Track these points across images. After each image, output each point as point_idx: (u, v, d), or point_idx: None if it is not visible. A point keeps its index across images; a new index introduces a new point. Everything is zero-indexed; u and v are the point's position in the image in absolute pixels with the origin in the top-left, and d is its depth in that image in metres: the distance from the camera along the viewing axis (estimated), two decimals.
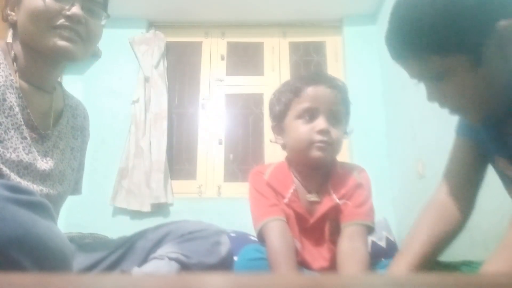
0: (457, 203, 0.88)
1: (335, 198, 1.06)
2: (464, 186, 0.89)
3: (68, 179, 0.99)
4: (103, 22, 0.94)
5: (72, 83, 2.26)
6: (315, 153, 1.04)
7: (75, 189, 1.08)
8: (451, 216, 0.88)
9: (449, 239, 0.88)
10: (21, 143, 0.86)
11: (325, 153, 1.05)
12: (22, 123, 0.86)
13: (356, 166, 1.15)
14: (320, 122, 1.04)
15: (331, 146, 1.05)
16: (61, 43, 0.87)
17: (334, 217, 1.07)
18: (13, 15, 0.89)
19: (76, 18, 0.87)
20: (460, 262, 0.92)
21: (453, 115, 0.81)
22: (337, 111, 1.07)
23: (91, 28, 0.91)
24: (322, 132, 1.03)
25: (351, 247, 0.98)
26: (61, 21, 0.86)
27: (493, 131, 0.81)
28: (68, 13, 0.86)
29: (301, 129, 1.06)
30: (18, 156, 0.84)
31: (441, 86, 0.74)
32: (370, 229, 1.05)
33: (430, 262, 0.86)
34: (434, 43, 0.69)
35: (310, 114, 1.06)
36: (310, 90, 1.07)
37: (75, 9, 0.87)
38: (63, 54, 0.88)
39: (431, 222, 0.89)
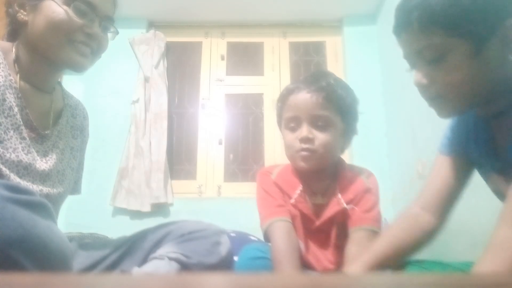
0: (430, 217, 0.91)
1: (342, 202, 1.05)
2: (441, 203, 0.91)
3: (68, 179, 0.99)
4: (111, 38, 0.96)
5: (72, 83, 2.25)
6: (300, 163, 1.06)
7: (75, 189, 1.08)
8: (419, 227, 0.91)
9: (414, 248, 0.91)
10: (20, 143, 0.85)
11: (309, 162, 1.05)
12: (21, 123, 0.86)
13: (365, 170, 1.14)
14: (302, 130, 1.05)
15: (316, 153, 1.04)
16: (77, 58, 0.89)
17: (341, 221, 1.06)
18: (23, 14, 0.88)
19: (95, 37, 0.89)
20: (460, 262, 0.92)
21: (432, 104, 0.80)
22: (320, 116, 1.04)
23: (103, 43, 0.93)
24: (302, 140, 1.04)
25: (359, 253, 0.98)
26: (80, 36, 0.88)
27: (486, 145, 0.81)
28: (88, 30, 0.88)
29: (287, 138, 1.08)
30: (17, 156, 0.84)
31: (435, 68, 0.74)
32: (377, 235, 1.04)
33: (390, 264, 0.89)
34: (446, 18, 0.70)
35: (294, 123, 1.07)
36: (291, 99, 1.08)
37: (96, 28, 0.89)
38: (75, 68, 0.90)
39: (398, 229, 0.92)
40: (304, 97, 1.05)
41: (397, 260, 0.90)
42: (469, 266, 0.87)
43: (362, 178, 1.10)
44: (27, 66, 0.89)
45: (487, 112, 0.79)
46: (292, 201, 1.07)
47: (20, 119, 0.86)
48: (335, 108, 1.05)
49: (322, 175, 1.10)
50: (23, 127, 0.87)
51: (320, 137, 1.04)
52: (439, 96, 0.77)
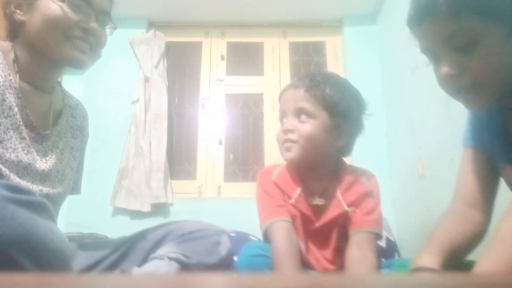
0: (475, 212, 0.85)
1: (343, 205, 1.05)
2: (480, 197, 0.85)
3: (67, 179, 0.99)
4: (109, 33, 0.96)
5: (72, 83, 2.25)
6: (284, 154, 1.09)
7: (74, 189, 1.08)
8: (470, 221, 0.84)
9: (470, 244, 0.84)
10: (20, 143, 0.86)
11: (291, 153, 1.06)
12: (21, 123, 0.86)
13: (366, 172, 1.14)
14: (286, 123, 1.08)
15: (296, 143, 1.05)
16: (75, 54, 0.88)
17: (342, 223, 1.07)
18: (20, 14, 0.88)
19: (92, 32, 0.89)
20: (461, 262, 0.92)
21: (461, 97, 0.74)
22: (301, 108, 1.06)
23: (101, 39, 0.93)
24: (284, 131, 1.08)
25: (360, 255, 0.99)
26: (77, 32, 0.88)
27: (500, 137, 0.79)
28: (85, 26, 0.88)
29: (277, 132, 1.12)
30: (17, 156, 0.84)
31: (466, 55, 0.69)
32: (378, 236, 1.06)
33: (452, 262, 0.81)
34: (477, 2, 0.67)
35: (283, 118, 1.11)
36: (281, 96, 1.14)
37: (93, 23, 0.89)
38: (75, 64, 0.89)
39: (451, 224, 0.85)
40: (289, 92, 1.11)
41: (456, 258, 0.82)
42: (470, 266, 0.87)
43: (364, 180, 1.10)
44: (26, 66, 0.89)
45: (503, 104, 0.75)
46: (292, 201, 1.07)
47: (20, 119, 0.86)
48: (318, 103, 1.06)
49: (320, 174, 1.10)
50: (23, 127, 0.87)
51: (301, 129, 1.06)
52: (471, 86, 0.70)
